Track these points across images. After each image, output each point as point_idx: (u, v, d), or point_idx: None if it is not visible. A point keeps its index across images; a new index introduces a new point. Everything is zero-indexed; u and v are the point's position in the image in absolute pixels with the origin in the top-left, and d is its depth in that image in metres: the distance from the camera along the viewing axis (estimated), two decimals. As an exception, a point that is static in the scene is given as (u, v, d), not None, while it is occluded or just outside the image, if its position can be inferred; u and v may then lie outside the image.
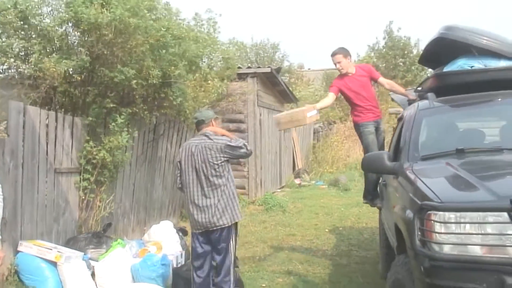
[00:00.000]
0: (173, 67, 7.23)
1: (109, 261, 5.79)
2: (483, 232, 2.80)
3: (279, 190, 14.90)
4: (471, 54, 4.87)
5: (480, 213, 2.82)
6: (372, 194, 6.23)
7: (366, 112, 6.37)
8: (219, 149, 5.01)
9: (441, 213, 2.89)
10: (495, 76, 4.67)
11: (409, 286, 3.26)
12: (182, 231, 7.10)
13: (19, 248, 5.73)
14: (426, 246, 2.92)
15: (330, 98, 6.48)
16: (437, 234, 2.88)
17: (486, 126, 4.78)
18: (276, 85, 13.97)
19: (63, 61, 6.18)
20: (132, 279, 5.76)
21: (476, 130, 4.60)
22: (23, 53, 6.46)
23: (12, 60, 6.30)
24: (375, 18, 62.48)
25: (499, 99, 4.62)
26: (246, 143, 5.19)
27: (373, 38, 44.96)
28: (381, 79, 6.48)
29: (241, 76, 11.74)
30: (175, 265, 6.10)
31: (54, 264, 5.63)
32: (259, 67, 13.24)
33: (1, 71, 6.58)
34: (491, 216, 2.79)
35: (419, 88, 5.72)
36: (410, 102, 5.92)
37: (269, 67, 12.81)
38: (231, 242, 5.09)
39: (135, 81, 6.61)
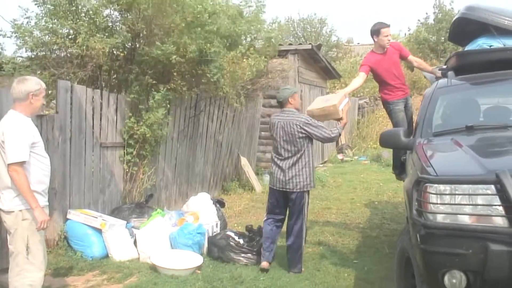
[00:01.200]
0: (209, 45, 7.52)
1: (149, 229, 6.22)
2: (473, 203, 3.03)
3: (321, 165, 15.16)
4: (491, 34, 4.98)
5: (471, 186, 3.04)
6: (398, 168, 6.42)
7: (396, 90, 6.49)
8: (298, 125, 5.48)
9: (435, 185, 3.13)
10: (512, 55, 4.76)
11: (411, 253, 3.53)
12: (219, 203, 7.48)
13: (68, 216, 6.27)
14: (422, 215, 3.17)
15: (361, 78, 6.50)
16: (431, 205, 3.11)
17: (502, 103, 4.89)
18: (317, 61, 14.11)
19: (107, 39, 6.58)
20: (170, 245, 6.18)
21: (489, 107, 4.73)
22: (72, 35, 6.89)
23: (61, 40, 6.77)
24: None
25: None
26: (333, 130, 5.61)
27: (423, 14, 43.84)
28: (410, 57, 6.56)
29: (282, 53, 11.97)
30: (210, 234, 6.49)
31: (99, 231, 6.13)
32: (300, 43, 13.43)
33: (51, 51, 7.04)
34: (480, 189, 3.01)
35: (444, 66, 5.84)
36: (438, 79, 6.05)
37: (309, 43, 12.97)
38: (304, 208, 5.55)
39: (174, 56, 6.94)
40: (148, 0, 6.49)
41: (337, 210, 8.97)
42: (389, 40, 6.40)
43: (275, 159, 5.66)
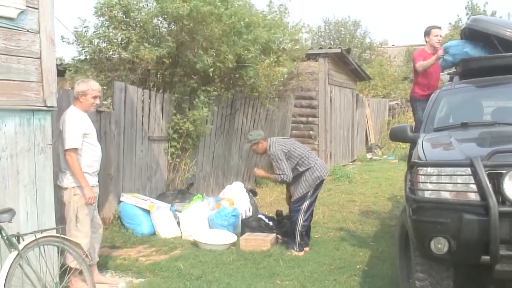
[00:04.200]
0: (246, 52, 8.40)
1: (190, 211, 7.13)
2: (453, 182, 3.79)
3: (350, 163, 15.89)
4: (484, 43, 5.70)
5: (452, 168, 3.81)
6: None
7: (427, 90, 7.06)
8: None
9: (425, 168, 3.92)
10: (511, 61, 5.47)
11: (406, 226, 4.31)
12: (252, 192, 8.36)
13: (121, 199, 7.22)
14: (414, 192, 3.95)
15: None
16: (421, 183, 3.89)
17: (499, 104, 5.60)
18: (347, 64, 14.85)
19: (155, 48, 7.51)
20: (209, 226, 7.09)
21: (482, 108, 5.45)
22: (124, 42, 7.86)
23: (115, 47, 7.76)
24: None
25: None
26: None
27: (455, 16, 43.84)
28: None
29: (312, 56, 12.78)
30: (243, 217, 7.38)
31: (147, 212, 7.07)
32: (330, 47, 14.21)
33: (107, 57, 8.04)
34: (459, 171, 3.77)
35: (453, 71, 6.57)
36: None
37: (339, 47, 13.74)
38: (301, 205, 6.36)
39: (211, 69, 7.84)
40: (189, 15, 7.34)
41: (361, 203, 9.70)
42: (438, 40, 7.07)
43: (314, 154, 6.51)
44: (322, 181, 6.42)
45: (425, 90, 7.12)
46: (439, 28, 7.12)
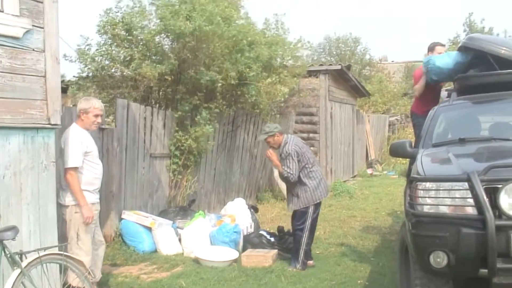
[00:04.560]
0: (248, 69, 8.51)
1: (192, 228, 7.17)
2: (451, 196, 3.85)
3: (351, 179, 15.93)
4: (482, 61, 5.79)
5: (450, 183, 3.87)
6: None
7: (429, 106, 7.15)
8: None
9: (423, 183, 3.97)
10: (506, 78, 5.54)
11: (406, 240, 4.36)
12: (253, 208, 8.41)
13: (123, 216, 7.26)
14: (413, 207, 4.00)
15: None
16: (420, 198, 3.95)
17: (496, 120, 5.67)
18: (347, 80, 14.97)
19: (157, 65, 7.61)
20: (210, 242, 7.11)
21: (480, 123, 5.51)
22: (127, 60, 7.96)
23: (118, 65, 7.86)
24: (458, 10, 61.15)
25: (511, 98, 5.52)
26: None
27: (454, 33, 44.10)
28: None
29: (313, 73, 12.90)
30: (245, 233, 7.41)
31: (149, 229, 7.11)
32: (330, 64, 14.33)
33: (109, 74, 8.15)
34: (457, 185, 3.83)
35: (451, 87, 6.65)
36: None
37: (339, 64, 13.85)
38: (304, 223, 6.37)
39: (220, 84, 7.94)
40: (192, 33, 7.46)
41: (361, 218, 9.73)
42: None
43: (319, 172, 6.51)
44: (320, 202, 6.50)
45: (425, 105, 7.17)
46: (443, 46, 7.27)
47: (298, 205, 6.35)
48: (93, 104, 5.15)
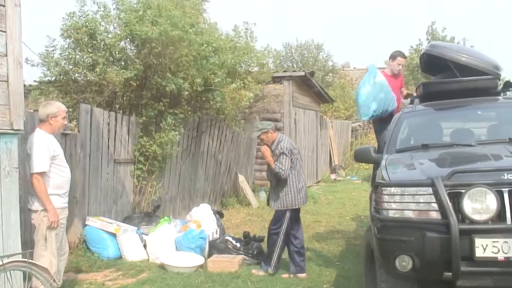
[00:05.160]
0: (213, 75, 8.52)
1: (157, 234, 7.10)
2: (416, 201, 3.93)
3: (314, 184, 16.06)
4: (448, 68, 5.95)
5: (415, 188, 3.95)
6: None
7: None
8: None
9: (388, 188, 4.05)
10: (468, 85, 5.70)
11: (372, 244, 4.43)
12: (219, 213, 8.39)
13: (87, 222, 7.14)
14: (378, 211, 4.08)
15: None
16: (385, 203, 4.02)
17: (457, 126, 5.82)
18: (311, 87, 15.12)
19: (122, 71, 7.53)
20: (176, 248, 7.06)
21: (442, 129, 5.66)
22: (90, 64, 7.85)
23: (82, 70, 7.75)
24: (420, 19, 62.59)
25: (475, 104, 5.69)
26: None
27: (416, 40, 44.97)
28: (402, 89, 7.57)
29: (277, 79, 12.98)
30: (210, 239, 7.38)
31: (113, 235, 7.01)
32: (294, 70, 14.46)
33: (73, 79, 8.01)
34: (421, 190, 3.92)
35: (415, 94, 6.80)
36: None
37: (303, 70, 13.97)
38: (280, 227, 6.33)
39: (187, 92, 7.92)
40: (158, 39, 7.42)
41: (326, 223, 9.83)
42: (399, 69, 7.37)
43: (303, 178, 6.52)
44: (299, 209, 6.50)
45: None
46: (405, 58, 7.50)
47: (277, 205, 6.31)
48: (61, 107, 5.20)
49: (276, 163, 6.25)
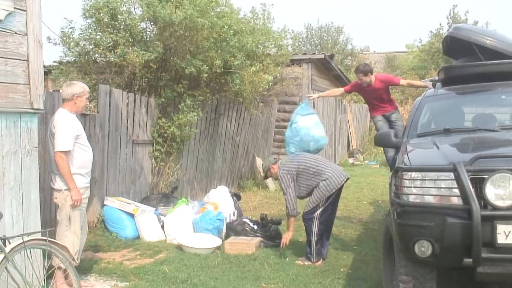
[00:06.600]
0: (233, 58, 8.46)
1: (175, 215, 7.14)
2: (437, 186, 3.87)
3: (332, 168, 15.96)
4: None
5: (436, 173, 3.89)
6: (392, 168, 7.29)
7: (377, 108, 7.80)
8: None
9: (409, 173, 4.00)
10: (492, 69, 5.59)
11: (391, 229, 4.38)
12: (236, 196, 8.41)
13: (105, 202, 7.21)
14: (398, 196, 4.03)
15: (339, 90, 9.26)
16: (405, 188, 3.97)
17: (480, 111, 5.73)
18: (330, 70, 14.98)
19: (143, 52, 7.50)
20: (193, 230, 7.09)
21: (464, 114, 5.56)
22: (111, 45, 7.83)
23: (102, 50, 7.74)
24: (441, 2, 61.60)
25: (499, 89, 5.57)
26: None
27: (437, 24, 44.31)
28: (401, 81, 7.80)
29: (296, 62, 12.88)
30: (228, 221, 7.40)
31: (132, 215, 7.06)
32: (313, 53, 14.33)
33: (94, 59, 8.02)
34: (442, 175, 3.86)
35: (436, 78, 6.69)
36: None
37: (323, 53, 13.86)
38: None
39: (206, 75, 7.90)
40: (182, 22, 7.37)
41: (343, 207, 9.75)
42: (361, 82, 7.53)
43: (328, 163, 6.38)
44: (339, 189, 6.17)
45: (375, 108, 7.86)
46: (359, 72, 7.57)
47: (313, 200, 6.08)
48: (85, 88, 5.25)
49: (284, 195, 6.20)
